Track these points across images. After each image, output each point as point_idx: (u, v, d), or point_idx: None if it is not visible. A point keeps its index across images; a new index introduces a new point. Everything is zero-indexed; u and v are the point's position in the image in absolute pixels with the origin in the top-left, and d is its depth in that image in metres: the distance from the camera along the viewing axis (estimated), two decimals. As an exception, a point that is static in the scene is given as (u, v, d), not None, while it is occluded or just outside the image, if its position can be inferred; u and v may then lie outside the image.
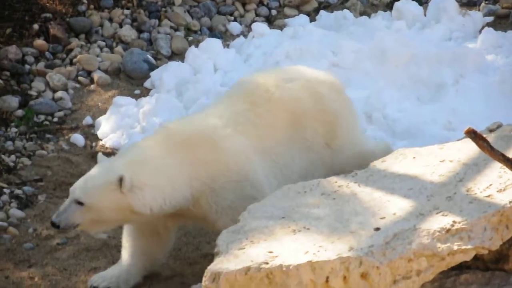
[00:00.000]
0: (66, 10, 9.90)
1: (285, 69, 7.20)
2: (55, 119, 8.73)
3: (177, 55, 9.73)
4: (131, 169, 5.96)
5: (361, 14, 10.28)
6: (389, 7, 10.35)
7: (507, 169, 4.89)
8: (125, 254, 6.46)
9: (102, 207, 5.95)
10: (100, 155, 6.26)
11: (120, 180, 5.88)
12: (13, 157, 8.10)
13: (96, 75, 9.26)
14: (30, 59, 9.31)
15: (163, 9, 10.23)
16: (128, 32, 9.86)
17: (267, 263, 4.55)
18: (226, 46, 9.74)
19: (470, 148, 5.27)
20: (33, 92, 8.97)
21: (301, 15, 10.35)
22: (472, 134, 4.67)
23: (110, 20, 10.01)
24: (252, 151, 6.22)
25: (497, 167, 5.01)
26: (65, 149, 8.28)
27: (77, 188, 6.03)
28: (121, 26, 9.95)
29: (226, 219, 6.09)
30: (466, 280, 4.80)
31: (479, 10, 10.13)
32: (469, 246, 4.59)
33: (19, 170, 7.92)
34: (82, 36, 9.76)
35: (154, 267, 6.52)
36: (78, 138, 8.43)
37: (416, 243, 4.57)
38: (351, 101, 6.74)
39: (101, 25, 9.92)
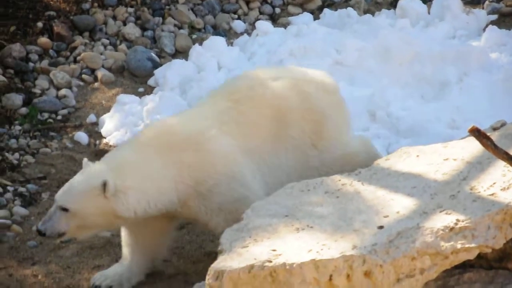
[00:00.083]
0: (70, 8, 9.90)
1: (277, 68, 7.13)
2: (59, 117, 8.74)
3: (181, 53, 9.73)
4: (114, 173, 5.94)
5: (365, 12, 10.28)
6: (393, 5, 10.34)
7: (510, 168, 4.89)
8: (126, 252, 6.46)
9: (86, 212, 5.95)
10: (85, 160, 6.22)
11: (104, 185, 5.86)
12: (17, 155, 8.10)
13: (100, 73, 9.27)
14: (34, 57, 9.32)
15: (167, 7, 10.23)
16: (132, 30, 9.86)
17: (270, 261, 4.55)
18: (230, 44, 9.74)
19: (474, 147, 5.27)
20: (37, 90, 8.97)
21: (305, 13, 10.35)
22: (476, 133, 4.66)
23: (114, 18, 10.01)
24: (238, 151, 6.15)
25: (501, 166, 5.01)
26: (69, 147, 8.29)
27: (62, 195, 6.03)
28: (125, 24, 9.96)
29: (217, 219, 6.07)
30: (469, 278, 4.79)
31: (483, 8, 10.12)
32: (472, 245, 4.59)
33: (23, 168, 7.93)
34: (86, 34, 9.77)
35: (156, 264, 6.52)
36: (82, 136, 8.44)
37: (420, 241, 4.57)
38: (344, 102, 6.63)
39: (105, 23, 9.93)
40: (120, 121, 8.48)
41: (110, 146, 8.24)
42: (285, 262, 4.52)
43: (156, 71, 9.23)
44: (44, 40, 9.49)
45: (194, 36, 9.98)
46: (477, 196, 4.80)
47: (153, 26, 9.97)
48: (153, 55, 9.52)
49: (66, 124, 8.65)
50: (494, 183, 4.87)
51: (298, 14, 10.39)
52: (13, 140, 8.29)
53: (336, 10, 10.13)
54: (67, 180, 7.60)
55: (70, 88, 9.09)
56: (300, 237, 4.73)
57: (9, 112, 8.63)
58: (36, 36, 9.52)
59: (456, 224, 4.62)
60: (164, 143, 6.08)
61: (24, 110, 8.69)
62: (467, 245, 4.59)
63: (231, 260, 4.65)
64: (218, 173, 6.07)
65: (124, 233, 6.45)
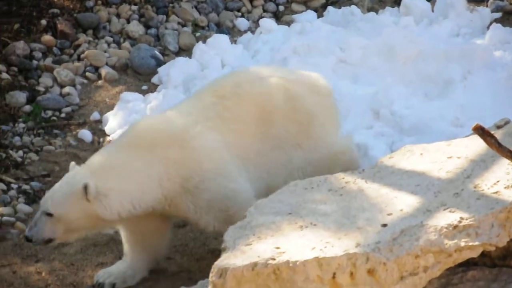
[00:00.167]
0: (73, 6, 9.91)
1: (271, 67, 7.07)
2: (63, 115, 8.75)
3: (185, 51, 9.74)
4: (96, 176, 5.93)
5: (369, 10, 10.27)
6: (396, 3, 10.32)
7: (514, 166, 4.89)
8: (127, 250, 6.47)
9: (71, 217, 5.96)
10: (72, 164, 6.23)
11: (85, 188, 5.86)
12: (20, 152, 8.12)
13: (104, 71, 9.27)
14: (37, 54, 9.33)
15: (171, 4, 10.23)
16: (135, 28, 9.87)
17: (274, 259, 4.55)
18: (234, 42, 9.74)
19: (477, 145, 5.26)
20: (41, 88, 8.99)
21: (309, 11, 10.34)
22: (480, 131, 4.66)
23: (118, 15, 10.02)
24: (224, 147, 6.12)
25: (505, 164, 5.00)
26: (73, 145, 8.30)
27: (45, 200, 6.05)
28: (128, 22, 9.96)
29: (207, 218, 6.05)
30: (473, 276, 4.79)
31: (487, 6, 10.10)
32: (476, 243, 4.59)
33: (27, 165, 7.95)
34: (90, 31, 9.77)
35: (159, 260, 6.52)
36: (85, 134, 8.45)
37: (423, 239, 4.57)
38: (335, 105, 6.60)
39: (109, 21, 9.93)
40: (123, 119, 8.49)
41: (114, 143, 8.25)
42: (289, 259, 4.52)
43: (159, 69, 9.23)
44: (47, 37, 9.50)
45: (197, 34, 9.98)
46: (481, 194, 4.80)
47: (157, 24, 9.97)
48: (157, 53, 9.52)
49: (70, 121, 8.66)
50: (498, 181, 4.87)
51: (301, 12, 10.38)
52: (17, 138, 8.30)
53: (339, 8, 10.12)
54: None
55: (74, 86, 9.10)
56: (304, 235, 4.73)
57: (13, 110, 8.64)
58: (40, 34, 9.53)
59: (459, 222, 4.62)
60: (147, 141, 6.05)
61: (28, 107, 8.70)
62: (470, 243, 4.58)
63: (235, 257, 4.65)
64: (204, 169, 6.03)
65: (122, 231, 6.46)
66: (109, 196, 5.92)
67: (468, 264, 4.81)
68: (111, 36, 9.78)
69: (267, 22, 9.78)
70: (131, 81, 9.25)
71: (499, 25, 9.42)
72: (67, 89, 9.01)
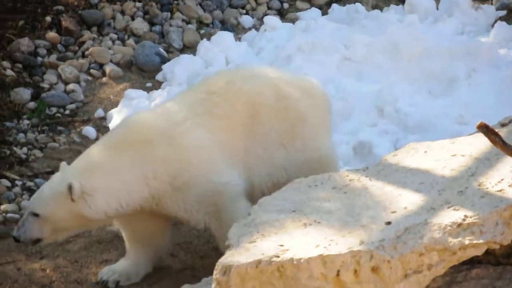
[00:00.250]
0: (78, 3, 9.92)
1: (268, 68, 7.03)
2: (67, 112, 8.76)
3: (189, 48, 9.74)
4: (81, 175, 5.91)
5: (373, 7, 10.27)
6: (401, 0, 10.33)
7: (519, 164, 4.88)
8: (128, 247, 6.47)
9: (57, 217, 5.95)
10: (63, 163, 6.21)
11: (70, 188, 5.85)
12: (25, 149, 8.13)
13: (108, 68, 9.28)
14: (42, 51, 9.34)
15: (175, 2, 10.24)
16: (140, 25, 9.87)
17: (278, 257, 4.54)
18: (238, 39, 9.74)
19: (482, 143, 5.25)
20: (45, 85, 9.00)
21: (313, 8, 10.34)
22: (484, 129, 4.65)
23: (122, 12, 10.02)
24: (213, 143, 6.08)
25: (509, 162, 5.00)
26: (77, 142, 8.31)
27: (32, 200, 6.06)
28: (133, 19, 9.97)
29: (197, 216, 6.02)
30: (477, 274, 4.78)
31: (491, 4, 10.10)
32: (480, 241, 4.58)
33: (31, 162, 7.96)
34: (94, 28, 9.78)
35: (161, 255, 6.52)
36: (90, 131, 8.45)
37: (428, 237, 4.56)
38: (329, 110, 6.54)
39: (113, 18, 9.94)
40: (128, 115, 8.49)
41: (118, 140, 8.25)
42: (293, 257, 4.52)
43: (164, 66, 9.24)
44: (52, 34, 9.51)
45: (202, 31, 9.99)
46: (485, 192, 4.79)
47: (161, 21, 9.98)
48: (161, 50, 9.53)
49: (74, 118, 8.67)
50: (502, 179, 4.86)
51: (306, 9, 10.39)
52: (21, 135, 8.32)
53: (344, 5, 10.13)
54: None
55: (78, 82, 9.11)
56: (308, 233, 4.73)
57: (18, 107, 8.66)
58: (45, 31, 9.54)
59: (464, 220, 4.61)
60: (134, 139, 6.02)
61: (32, 104, 8.72)
62: (475, 241, 4.58)
63: (239, 255, 4.65)
64: (193, 166, 5.99)
65: (121, 229, 6.46)
66: (94, 195, 5.89)
67: (472, 262, 4.81)
68: (116, 33, 9.79)
69: (272, 20, 9.78)
70: (136, 78, 9.26)
71: (503, 23, 9.41)
72: (71, 86, 9.02)
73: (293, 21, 10.05)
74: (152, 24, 9.96)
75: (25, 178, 7.75)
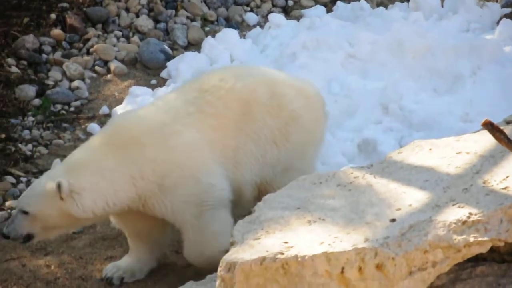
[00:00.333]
0: (83, 0, 9.93)
1: (258, 67, 7.01)
2: (72, 109, 8.77)
3: (194, 45, 9.74)
4: (69, 174, 5.92)
5: (378, 5, 10.26)
6: (406, -2, 10.32)
7: (524, 161, 4.88)
8: (131, 244, 6.48)
9: (45, 214, 5.96)
10: (56, 161, 6.22)
11: (59, 187, 5.85)
12: (30, 146, 8.14)
13: (113, 65, 9.29)
14: (47, 48, 9.35)
15: (180, -1, 10.25)
16: (144, 22, 9.87)
17: (282, 254, 4.55)
18: (243, 36, 9.74)
19: (487, 140, 5.25)
20: (50, 82, 9.01)
21: (318, 5, 10.33)
22: (489, 126, 4.65)
23: (127, 10, 10.03)
24: (203, 144, 6.07)
25: (514, 159, 5.00)
26: (82, 139, 8.31)
27: (22, 198, 6.08)
28: (137, 16, 9.97)
29: (183, 217, 6.02)
30: (482, 272, 4.78)
31: (497, 1, 10.07)
32: (485, 238, 4.58)
33: (36, 159, 7.96)
34: (99, 26, 9.79)
35: (164, 250, 6.52)
36: (94, 128, 8.46)
37: (432, 234, 4.56)
38: (323, 112, 6.53)
39: (118, 15, 9.94)
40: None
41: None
42: (297, 254, 4.53)
43: (168, 63, 9.24)
44: (57, 31, 9.51)
45: (206, 29, 9.99)
46: (490, 190, 4.79)
47: (166, 18, 9.98)
48: (166, 47, 9.53)
49: (79, 115, 8.68)
50: (507, 177, 4.86)
51: (311, 6, 10.37)
52: (26, 131, 8.33)
53: (349, 2, 10.11)
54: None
55: (83, 79, 9.12)
56: (312, 230, 4.73)
57: (22, 104, 8.67)
58: (49, 28, 9.55)
59: (468, 217, 4.61)
60: (123, 139, 6.02)
61: (37, 101, 8.73)
62: (479, 239, 4.58)
63: (243, 252, 4.65)
64: (182, 167, 5.99)
65: (121, 227, 6.47)
66: (82, 194, 5.90)
67: (477, 259, 4.80)
68: (120, 30, 9.80)
69: (276, 17, 9.78)
70: (140, 75, 9.26)
71: (509, 20, 9.39)
72: (76, 83, 9.03)
73: (297, 18, 10.04)
74: (156, 21, 9.96)
75: (30, 175, 7.76)
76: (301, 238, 4.65)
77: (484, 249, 4.62)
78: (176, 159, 6.00)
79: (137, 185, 5.97)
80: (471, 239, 4.57)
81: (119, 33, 9.74)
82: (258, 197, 6.04)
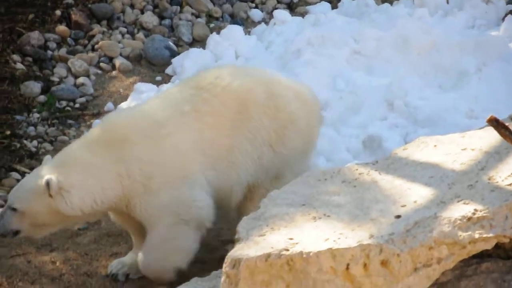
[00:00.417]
0: (88, -4, 9.94)
1: (256, 68, 6.98)
2: (77, 105, 8.78)
3: (199, 42, 9.74)
4: (59, 171, 5.91)
5: (383, 1, 10.24)
6: (411, -6, 10.29)
7: (529, 158, 4.87)
8: (134, 240, 6.48)
9: (34, 211, 5.96)
10: (47, 157, 6.21)
11: (48, 184, 5.85)
12: (35, 142, 8.15)
13: (118, 62, 9.29)
14: (52, 45, 9.35)
15: (185, -5, 10.24)
16: (149, 19, 9.88)
17: (287, 250, 4.55)
18: (248, 33, 9.73)
19: (492, 137, 5.24)
20: (55, 78, 9.01)
21: (323, 2, 10.32)
22: (494, 122, 4.65)
23: (132, 6, 10.03)
24: (193, 148, 6.03)
25: (519, 156, 4.99)
26: (87, 135, 8.32)
27: (11, 194, 6.07)
28: (142, 13, 9.97)
29: (159, 222, 6.00)
30: (487, 268, 4.78)
31: (502, -3, 10.06)
32: (490, 235, 4.58)
33: (41, 155, 7.97)
34: (104, 22, 9.79)
35: None
36: (99, 124, 8.47)
37: (437, 231, 4.56)
38: (318, 116, 6.51)
39: (123, 12, 9.95)
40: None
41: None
42: (302, 250, 4.53)
43: (173, 60, 9.24)
44: (62, 28, 9.52)
45: (211, 25, 9.98)
46: (495, 186, 4.79)
47: (171, 14, 9.98)
48: (171, 43, 9.53)
49: (84, 112, 8.69)
50: (513, 173, 4.86)
51: (316, 3, 10.36)
52: (31, 128, 8.34)
53: (354, -1, 10.10)
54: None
55: (88, 76, 9.13)
56: (317, 226, 4.73)
57: (28, 100, 8.68)
58: (54, 24, 9.55)
59: (473, 214, 4.61)
60: (112, 137, 6.01)
61: (42, 98, 8.74)
62: (484, 235, 4.57)
63: (248, 248, 4.65)
64: (169, 172, 5.98)
65: (121, 225, 6.47)
66: (71, 192, 5.90)
67: (482, 255, 4.80)
68: (125, 27, 9.80)
69: (281, 13, 9.77)
70: (145, 72, 9.27)
71: (514, 17, 9.38)
72: (81, 80, 9.04)
73: (302, 15, 10.03)
74: (161, 17, 9.96)
75: (35, 171, 7.77)
76: (306, 234, 4.65)
77: (489, 246, 4.62)
78: (163, 161, 5.98)
79: (124, 184, 5.97)
80: (476, 236, 4.57)
81: (124, 30, 9.74)
82: (241, 204, 6.07)
